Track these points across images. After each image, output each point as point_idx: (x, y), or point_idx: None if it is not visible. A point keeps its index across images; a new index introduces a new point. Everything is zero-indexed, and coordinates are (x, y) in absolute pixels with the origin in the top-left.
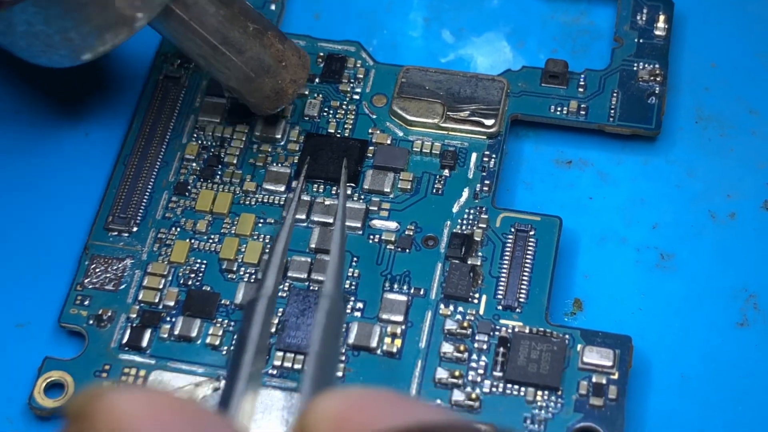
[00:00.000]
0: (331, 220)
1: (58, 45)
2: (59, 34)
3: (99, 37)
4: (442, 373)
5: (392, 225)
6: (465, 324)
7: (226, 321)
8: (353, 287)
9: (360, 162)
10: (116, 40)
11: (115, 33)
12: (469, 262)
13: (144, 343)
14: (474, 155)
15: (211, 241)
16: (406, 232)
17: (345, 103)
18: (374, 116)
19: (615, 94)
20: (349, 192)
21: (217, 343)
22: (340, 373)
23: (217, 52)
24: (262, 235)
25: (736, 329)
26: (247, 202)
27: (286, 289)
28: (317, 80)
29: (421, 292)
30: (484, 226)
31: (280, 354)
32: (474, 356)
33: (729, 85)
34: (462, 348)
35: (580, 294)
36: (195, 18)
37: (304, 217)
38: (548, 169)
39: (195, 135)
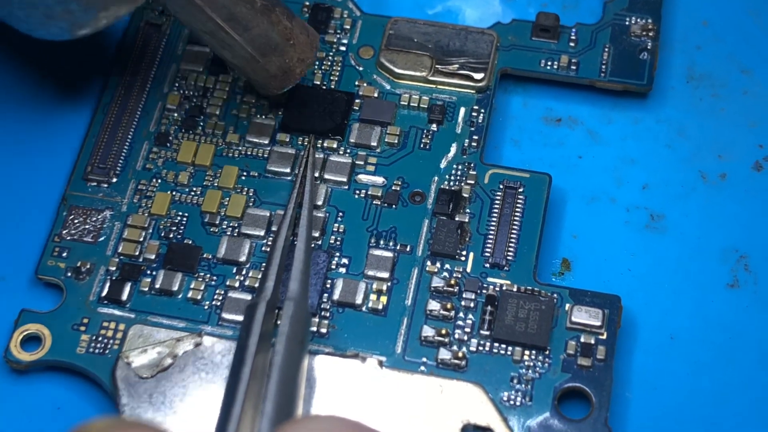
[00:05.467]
0: (316, 174)
1: (58, 16)
2: (59, 4)
3: (100, 8)
4: (428, 331)
5: (379, 180)
6: (452, 281)
7: (208, 275)
8: (338, 243)
9: (346, 115)
10: (118, 13)
11: (117, 5)
12: (456, 219)
13: (124, 297)
14: (462, 110)
15: (193, 193)
16: (393, 188)
17: (331, 54)
18: (361, 68)
19: (606, 49)
20: (334, 146)
21: (199, 297)
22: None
23: (222, 29)
24: (246, 188)
25: (727, 290)
26: (230, 154)
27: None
28: None
29: (408, 249)
30: (473, 182)
31: None
32: (461, 314)
33: (721, 43)
34: (449, 306)
35: (568, 254)
36: None
37: (288, 170)
38: (537, 127)
39: (177, 84)
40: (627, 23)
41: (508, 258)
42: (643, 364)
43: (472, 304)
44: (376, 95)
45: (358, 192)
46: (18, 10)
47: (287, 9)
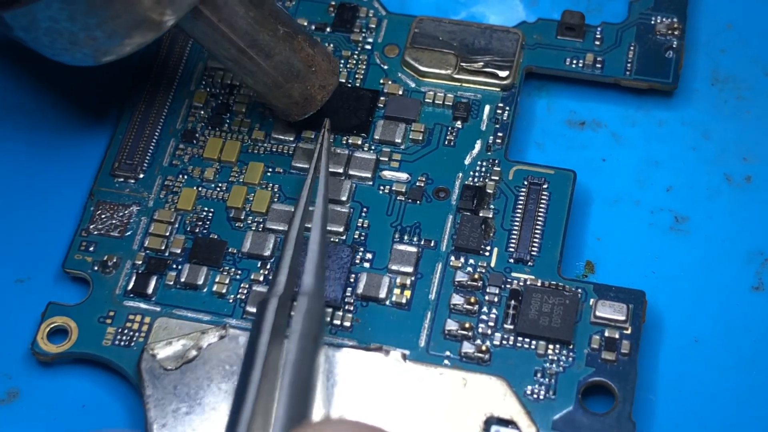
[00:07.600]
0: (341, 170)
1: (83, 43)
2: (84, 31)
3: (124, 35)
4: (451, 325)
5: (403, 176)
6: (476, 276)
7: (232, 269)
8: (362, 238)
9: (371, 112)
10: (142, 40)
11: (141, 33)
12: (480, 215)
13: (150, 290)
14: (487, 107)
15: (218, 189)
16: (417, 184)
17: (356, 52)
18: (386, 66)
19: (632, 48)
20: (359, 142)
21: (224, 291)
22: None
23: (245, 55)
24: (271, 184)
25: (751, 293)
26: (256, 151)
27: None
28: (329, 29)
29: (432, 244)
30: (497, 178)
31: None
32: (485, 309)
33: (746, 46)
34: (472, 300)
35: (591, 256)
36: (224, 19)
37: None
38: (561, 130)
39: (203, 82)
40: (652, 22)
41: (533, 253)
42: (667, 366)
43: (495, 299)
44: (400, 93)
45: (382, 188)
46: (43, 36)
47: (309, 36)
